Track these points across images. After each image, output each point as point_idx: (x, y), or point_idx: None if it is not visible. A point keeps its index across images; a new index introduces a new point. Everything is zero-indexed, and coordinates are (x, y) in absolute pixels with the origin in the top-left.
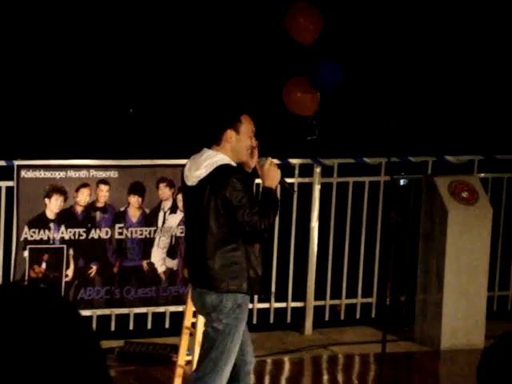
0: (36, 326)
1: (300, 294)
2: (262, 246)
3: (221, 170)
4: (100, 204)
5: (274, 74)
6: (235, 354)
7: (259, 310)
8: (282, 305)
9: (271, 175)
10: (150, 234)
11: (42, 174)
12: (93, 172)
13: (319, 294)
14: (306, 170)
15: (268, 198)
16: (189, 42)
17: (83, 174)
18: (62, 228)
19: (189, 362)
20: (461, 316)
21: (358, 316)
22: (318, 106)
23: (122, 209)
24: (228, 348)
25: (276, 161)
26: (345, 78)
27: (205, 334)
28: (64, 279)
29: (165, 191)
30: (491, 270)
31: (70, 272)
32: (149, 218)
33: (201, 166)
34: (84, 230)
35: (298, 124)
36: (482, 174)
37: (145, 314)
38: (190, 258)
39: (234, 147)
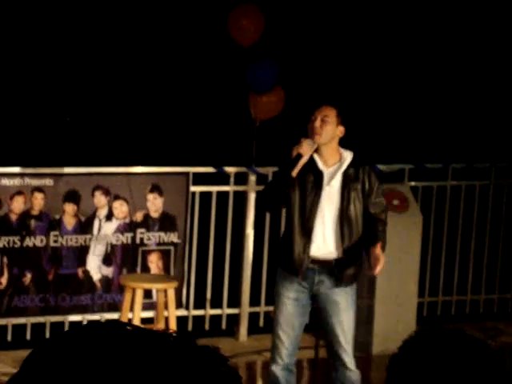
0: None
1: (235, 301)
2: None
3: None
4: (35, 212)
5: (212, 75)
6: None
7: (194, 317)
8: (218, 311)
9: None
10: (85, 241)
11: None
12: (27, 180)
13: (254, 301)
14: (241, 179)
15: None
16: (125, 45)
17: (18, 181)
18: None
19: None
20: (392, 321)
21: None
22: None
23: (57, 216)
24: None
25: (211, 169)
26: (283, 81)
27: None
28: None
29: (100, 199)
30: (421, 276)
31: (4, 280)
32: (84, 226)
33: None
34: (18, 237)
35: (236, 131)
36: (413, 183)
37: (80, 322)
38: None
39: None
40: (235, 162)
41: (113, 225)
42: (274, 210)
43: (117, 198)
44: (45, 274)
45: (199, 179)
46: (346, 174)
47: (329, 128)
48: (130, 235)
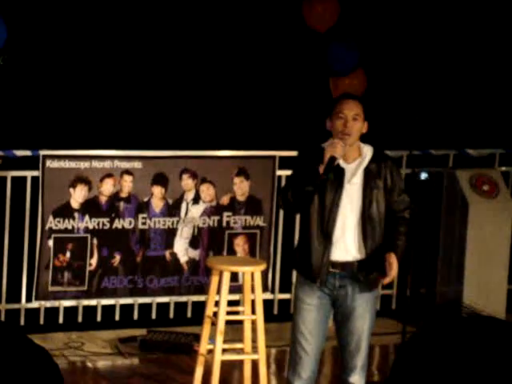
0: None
1: None
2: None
3: None
4: (124, 194)
5: (291, 60)
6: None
7: (280, 300)
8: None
9: (324, 154)
10: (172, 224)
11: (66, 164)
12: (117, 162)
13: None
14: None
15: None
16: (204, 31)
17: (107, 164)
18: (86, 218)
19: (210, 351)
20: (481, 308)
21: (378, 308)
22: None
23: (146, 199)
24: None
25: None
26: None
27: None
28: (88, 268)
29: (188, 182)
30: None
31: (94, 261)
32: (172, 209)
33: None
34: (108, 219)
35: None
36: (503, 168)
37: (167, 304)
38: None
39: (333, 134)
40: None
41: (200, 208)
42: (301, 212)
43: (204, 181)
44: (133, 256)
45: (285, 163)
46: (367, 171)
47: (359, 126)
48: (216, 218)
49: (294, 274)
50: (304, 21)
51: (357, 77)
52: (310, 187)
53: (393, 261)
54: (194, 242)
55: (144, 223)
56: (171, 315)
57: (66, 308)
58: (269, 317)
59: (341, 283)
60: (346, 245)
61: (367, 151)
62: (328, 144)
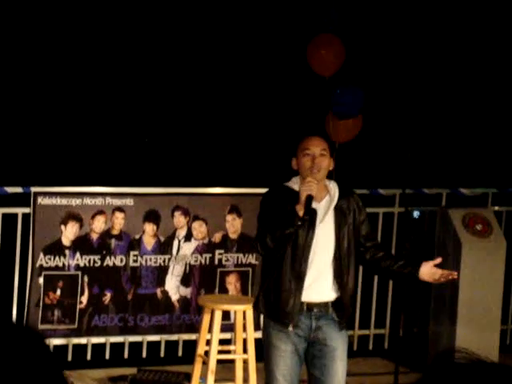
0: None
1: None
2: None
3: None
4: (115, 231)
5: (295, 106)
6: None
7: None
8: None
9: (300, 194)
10: (164, 261)
11: (58, 200)
12: (109, 199)
13: None
14: None
15: (283, 218)
16: (203, 73)
17: (99, 201)
18: (78, 255)
19: None
20: (474, 349)
21: (370, 347)
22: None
23: (137, 236)
24: None
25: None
26: (363, 106)
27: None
28: (78, 306)
29: (180, 219)
30: (505, 303)
31: (85, 299)
32: (163, 246)
33: None
34: (99, 257)
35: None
36: (496, 207)
37: (158, 342)
38: None
39: (300, 172)
40: None
41: (192, 245)
42: (279, 255)
43: (196, 218)
44: (124, 294)
45: None
46: (337, 208)
47: (328, 162)
48: (208, 256)
49: (262, 319)
50: (309, 66)
51: (353, 120)
52: (290, 229)
53: (431, 264)
54: (185, 280)
55: (135, 260)
56: (162, 354)
57: (55, 346)
58: (261, 356)
59: (317, 324)
60: (321, 285)
61: (333, 187)
62: (303, 184)
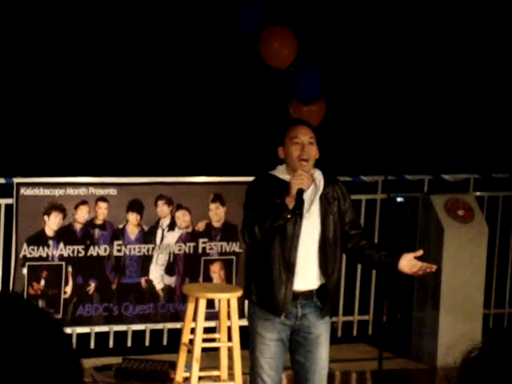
0: (16, 337)
1: None
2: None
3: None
4: (99, 221)
5: (258, 97)
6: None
7: None
8: None
9: (290, 187)
10: (148, 251)
11: (41, 191)
12: (92, 189)
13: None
14: None
15: (272, 209)
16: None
17: (82, 191)
18: (61, 245)
19: (186, 379)
20: (457, 333)
21: (354, 333)
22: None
23: (121, 226)
24: None
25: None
26: (342, 93)
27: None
28: (63, 296)
29: (163, 209)
30: (487, 287)
31: (69, 289)
32: (147, 236)
33: None
34: (83, 247)
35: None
36: (478, 193)
37: (143, 331)
38: None
39: (286, 161)
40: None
41: (175, 234)
42: (266, 244)
43: (179, 207)
44: (108, 284)
45: None
46: (322, 197)
47: (315, 151)
48: (192, 245)
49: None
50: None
51: (316, 104)
52: (280, 222)
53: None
54: (169, 269)
55: (119, 250)
56: (147, 343)
57: None
58: (245, 344)
59: (302, 312)
60: (308, 273)
61: (318, 176)
62: (293, 178)
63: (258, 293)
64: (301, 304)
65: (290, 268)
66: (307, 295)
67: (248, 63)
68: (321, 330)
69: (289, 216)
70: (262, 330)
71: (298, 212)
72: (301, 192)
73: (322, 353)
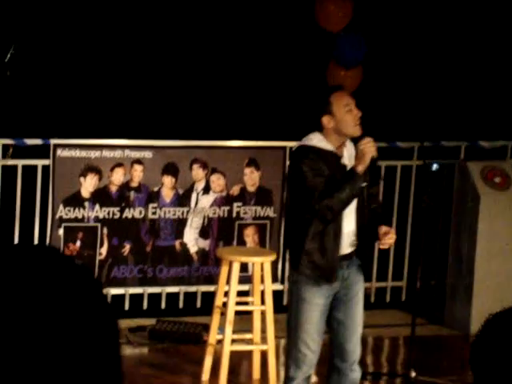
0: (56, 293)
1: None
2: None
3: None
4: (134, 184)
5: (302, 61)
6: None
7: None
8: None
9: (359, 156)
10: (182, 214)
11: (77, 153)
12: (127, 152)
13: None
14: None
15: (343, 180)
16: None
17: (118, 153)
18: (97, 207)
19: (219, 341)
20: (491, 300)
21: (388, 299)
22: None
23: (156, 189)
24: None
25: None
26: (376, 58)
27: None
28: (98, 257)
29: (198, 172)
30: None
31: (104, 250)
32: (182, 199)
33: None
34: (118, 209)
35: None
36: None
37: (177, 294)
38: None
39: (337, 129)
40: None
41: (210, 198)
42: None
43: (214, 171)
44: (143, 246)
45: None
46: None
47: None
48: (226, 209)
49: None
50: (316, 21)
51: (355, 70)
52: (357, 191)
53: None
54: (203, 233)
55: (154, 213)
56: (180, 305)
57: None
58: (278, 307)
59: (348, 272)
60: (350, 236)
61: (349, 144)
62: (363, 145)
63: (310, 263)
64: (346, 265)
65: (338, 234)
66: (350, 257)
67: (301, 25)
68: (359, 287)
69: (363, 184)
70: (310, 296)
71: (367, 179)
72: (375, 160)
73: (360, 309)
